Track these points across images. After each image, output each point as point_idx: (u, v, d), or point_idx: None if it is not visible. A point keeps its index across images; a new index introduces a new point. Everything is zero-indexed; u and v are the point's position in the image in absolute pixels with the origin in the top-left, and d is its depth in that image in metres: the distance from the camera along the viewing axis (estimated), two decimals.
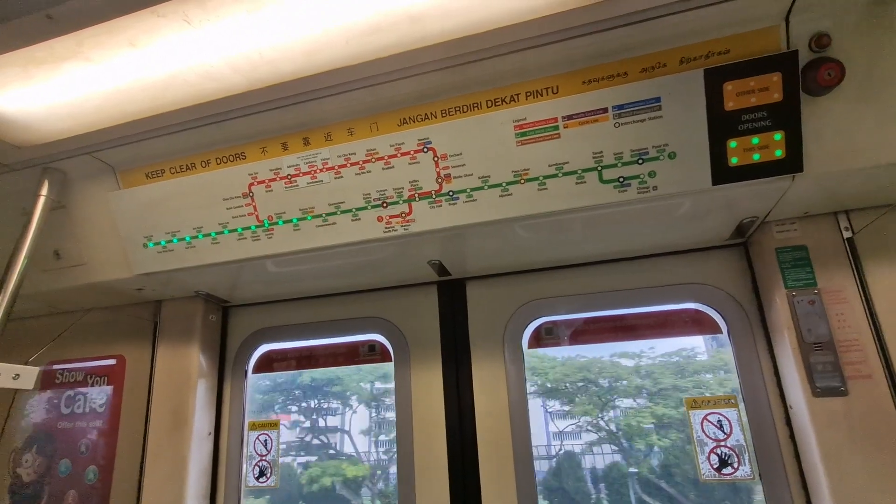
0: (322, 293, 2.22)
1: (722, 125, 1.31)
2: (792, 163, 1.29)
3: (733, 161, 1.32)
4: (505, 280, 2.01)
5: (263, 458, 2.11)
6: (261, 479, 2.09)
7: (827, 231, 1.56)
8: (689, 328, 1.84)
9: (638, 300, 1.86)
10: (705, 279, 1.79)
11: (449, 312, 2.04)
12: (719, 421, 1.67)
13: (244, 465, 2.12)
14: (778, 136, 1.29)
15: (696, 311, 1.81)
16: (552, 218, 1.49)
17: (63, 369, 2.28)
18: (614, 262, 1.91)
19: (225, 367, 2.26)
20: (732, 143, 1.32)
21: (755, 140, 1.30)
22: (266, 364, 2.28)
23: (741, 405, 1.66)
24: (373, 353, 2.15)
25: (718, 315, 1.76)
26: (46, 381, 2.28)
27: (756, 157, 1.31)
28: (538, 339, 1.96)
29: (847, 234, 1.54)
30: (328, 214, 1.63)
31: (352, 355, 2.20)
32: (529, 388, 1.90)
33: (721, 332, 1.76)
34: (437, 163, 1.51)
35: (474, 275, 2.04)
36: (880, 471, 1.36)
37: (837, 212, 1.56)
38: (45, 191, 1.74)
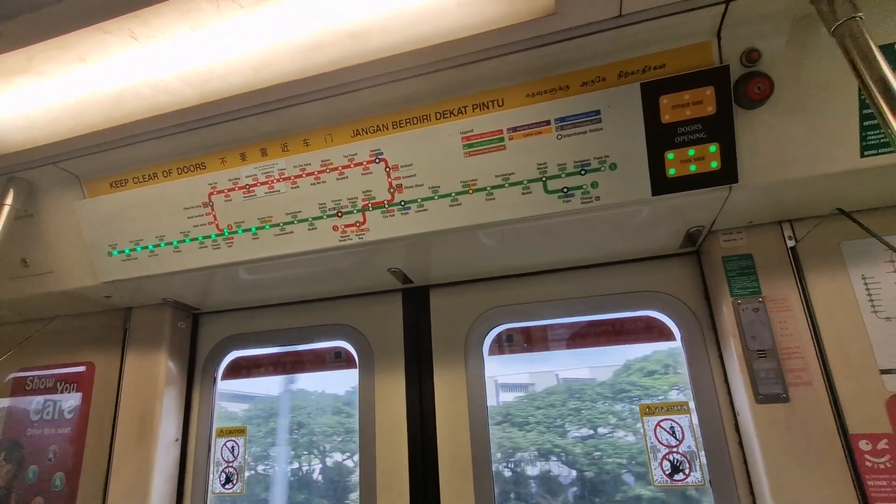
0: (290, 300, 2.24)
1: (659, 137, 1.34)
2: (727, 174, 1.32)
3: (671, 172, 1.36)
4: (467, 288, 2.04)
5: (230, 464, 2.13)
6: (227, 486, 2.11)
7: (771, 240, 1.59)
8: (645, 335, 1.87)
9: (596, 307, 1.89)
10: (660, 287, 1.82)
11: (413, 320, 2.07)
12: (672, 427, 1.69)
13: (211, 472, 2.14)
14: (713, 147, 1.32)
15: (653, 318, 1.84)
16: (501, 227, 1.52)
17: (33, 376, 2.30)
18: (573, 269, 1.94)
19: (195, 374, 2.28)
20: (670, 155, 1.35)
21: (691, 152, 1.33)
22: (235, 370, 2.30)
23: (693, 412, 1.68)
24: (339, 360, 2.18)
25: (672, 322, 1.79)
26: (17, 387, 2.30)
27: (693, 168, 1.34)
28: (499, 347, 1.99)
29: (791, 243, 1.56)
30: (285, 223, 1.66)
31: (319, 362, 2.22)
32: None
33: (675, 340, 1.79)
34: (388, 173, 1.54)
35: (437, 282, 2.06)
36: (819, 477, 1.38)
37: (782, 221, 1.59)
38: (10, 200, 1.78)
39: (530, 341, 1.99)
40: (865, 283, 1.47)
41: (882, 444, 1.35)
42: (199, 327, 2.35)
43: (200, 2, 1.15)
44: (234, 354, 2.30)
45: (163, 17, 1.18)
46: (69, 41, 1.23)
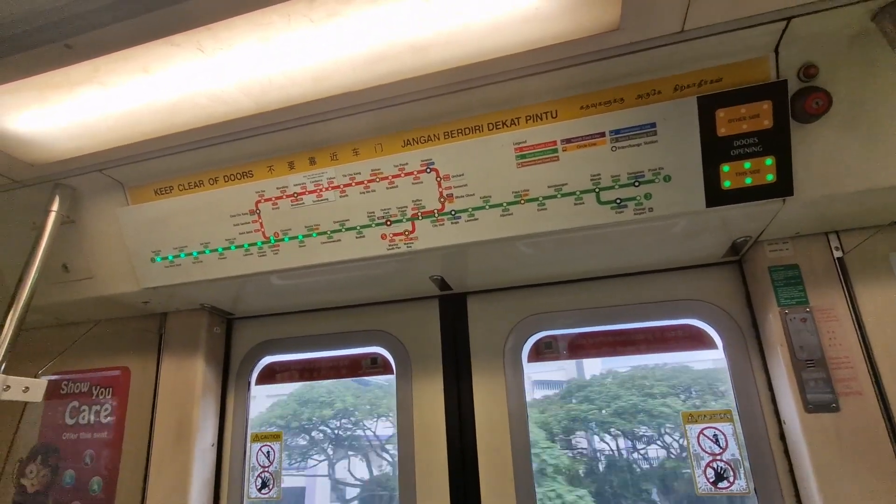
0: (325, 306, 2.26)
1: (715, 150, 1.36)
2: (783, 187, 1.34)
3: (726, 184, 1.37)
4: (505, 295, 2.05)
5: (266, 469, 2.14)
6: (263, 491, 2.12)
7: (818, 251, 1.60)
8: (685, 344, 1.88)
9: (636, 315, 1.90)
10: (702, 296, 1.83)
11: (450, 326, 2.08)
12: (715, 435, 1.70)
13: (247, 477, 2.15)
14: (769, 161, 1.34)
15: (693, 326, 1.85)
16: (552, 237, 1.54)
17: (68, 380, 2.30)
18: (613, 277, 1.95)
19: (228, 379, 2.29)
20: (725, 168, 1.36)
21: (747, 165, 1.35)
22: (269, 376, 2.31)
23: (737, 420, 1.70)
24: (375, 366, 2.19)
25: (714, 331, 1.80)
26: (52, 391, 2.31)
27: (748, 180, 1.36)
28: (538, 353, 2.00)
29: (838, 254, 1.58)
30: (333, 231, 1.67)
31: (354, 368, 2.23)
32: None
33: (717, 348, 1.80)
34: (439, 183, 1.55)
35: (475, 289, 2.08)
36: (871, 486, 1.40)
37: (828, 232, 1.61)
38: (55, 206, 1.78)
39: (569, 349, 2.00)
40: None
41: None
42: (232, 332, 2.36)
43: (272, 16, 1.16)
44: (268, 359, 2.31)
45: (233, 31, 1.19)
46: (135, 53, 1.24)
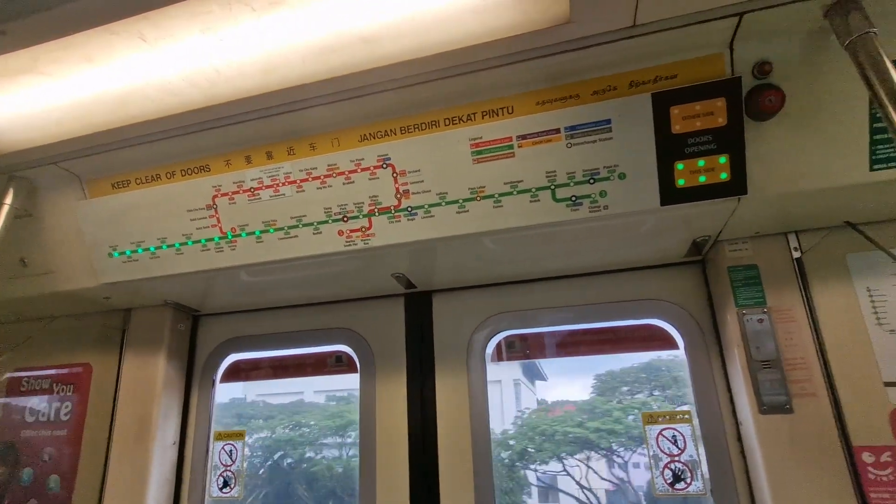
0: (292, 303, 2.23)
1: (669, 148, 1.34)
2: (737, 185, 1.32)
3: (680, 182, 1.36)
4: (470, 293, 2.03)
5: (228, 468, 2.11)
6: (224, 490, 2.09)
7: (777, 251, 1.59)
8: (647, 344, 1.87)
9: (600, 315, 1.89)
10: (665, 295, 1.82)
11: (415, 324, 2.06)
12: (674, 436, 1.69)
13: (209, 476, 2.12)
14: (723, 159, 1.32)
15: (656, 326, 1.84)
16: (509, 235, 1.52)
17: (29, 377, 2.27)
18: (578, 276, 1.93)
19: (193, 376, 2.26)
20: (679, 166, 1.35)
21: (701, 163, 1.33)
22: (234, 374, 2.28)
23: (695, 421, 1.69)
24: (339, 364, 2.16)
25: (676, 331, 1.79)
26: (12, 388, 2.27)
27: (702, 179, 1.34)
28: (501, 353, 1.98)
29: (796, 255, 1.57)
30: (290, 227, 1.65)
31: (319, 366, 2.21)
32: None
33: (679, 348, 1.79)
34: (395, 179, 1.53)
35: (440, 287, 2.06)
36: (822, 489, 1.39)
37: (788, 232, 1.59)
38: (9, 199, 1.75)
39: (532, 348, 1.98)
40: (871, 296, 1.48)
41: (885, 457, 1.36)
42: (198, 329, 2.33)
43: (211, 4, 1.13)
44: (234, 357, 2.28)
45: (173, 20, 1.16)
46: (75, 41, 1.21)
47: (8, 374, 2.29)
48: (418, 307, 2.07)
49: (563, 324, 1.93)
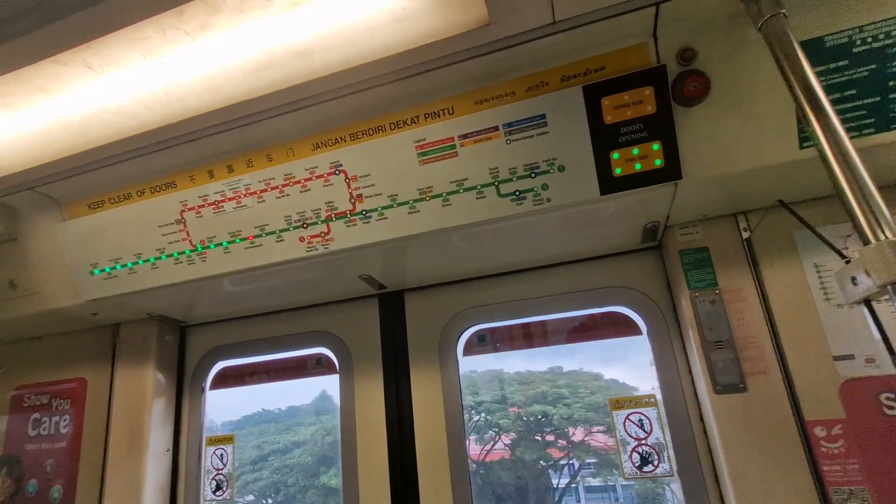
0: (273, 310, 2.30)
1: (604, 138, 1.37)
2: (671, 171, 1.35)
3: (617, 171, 1.39)
4: (439, 291, 2.08)
5: (220, 472, 2.19)
6: (217, 493, 2.17)
7: (727, 232, 1.61)
8: (613, 331, 1.90)
9: (565, 305, 1.92)
10: (626, 282, 1.85)
11: (389, 324, 2.11)
12: (640, 420, 1.72)
13: (202, 480, 2.20)
14: (656, 146, 1.35)
15: (619, 313, 1.87)
16: (460, 232, 1.56)
17: (29, 393, 2.37)
18: (543, 268, 1.97)
19: (184, 385, 2.34)
20: (615, 155, 1.38)
21: (635, 151, 1.36)
22: (222, 380, 2.36)
23: (661, 404, 1.71)
24: (320, 366, 2.23)
25: (638, 317, 1.81)
26: (15, 404, 2.38)
27: (638, 166, 1.37)
28: (472, 347, 2.03)
29: (746, 235, 1.59)
30: (255, 237, 1.71)
31: (301, 369, 2.28)
32: None
33: (641, 334, 1.81)
34: (348, 184, 1.58)
35: (411, 286, 2.11)
36: (777, 464, 1.40)
37: (737, 213, 1.61)
38: None
39: (502, 340, 2.02)
40: (818, 272, 1.49)
41: (836, 430, 1.37)
42: (186, 339, 2.41)
43: (147, 31, 1.20)
44: (222, 364, 2.36)
45: (112, 47, 1.23)
46: (25, 74, 1.28)
47: (11, 392, 2.40)
48: (391, 307, 2.13)
49: (532, 315, 1.96)
